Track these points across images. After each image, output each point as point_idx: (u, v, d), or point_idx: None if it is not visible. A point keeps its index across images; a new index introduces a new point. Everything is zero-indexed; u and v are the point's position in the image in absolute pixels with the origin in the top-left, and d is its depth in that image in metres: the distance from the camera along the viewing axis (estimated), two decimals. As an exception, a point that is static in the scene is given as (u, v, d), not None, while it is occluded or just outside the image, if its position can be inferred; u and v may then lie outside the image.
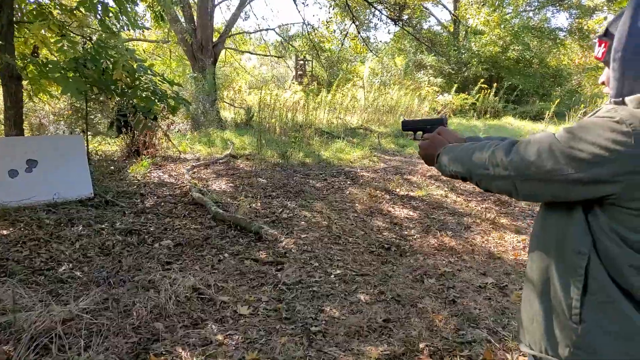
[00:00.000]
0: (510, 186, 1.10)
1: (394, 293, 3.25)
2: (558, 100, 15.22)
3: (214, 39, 13.85)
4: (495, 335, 2.72)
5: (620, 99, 1.05)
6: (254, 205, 5.25)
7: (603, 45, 1.11)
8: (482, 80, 17.23)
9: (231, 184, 6.24)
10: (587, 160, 0.95)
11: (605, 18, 20.28)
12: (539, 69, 19.27)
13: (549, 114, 13.43)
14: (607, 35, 1.10)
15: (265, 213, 5.00)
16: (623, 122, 0.93)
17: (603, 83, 1.15)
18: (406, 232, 4.61)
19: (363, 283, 3.41)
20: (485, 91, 16.72)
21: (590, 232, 1.02)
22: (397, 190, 6.27)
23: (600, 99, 15.24)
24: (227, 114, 13.88)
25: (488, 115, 16.53)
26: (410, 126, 1.71)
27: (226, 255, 3.87)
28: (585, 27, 19.80)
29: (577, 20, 20.03)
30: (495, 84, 17.06)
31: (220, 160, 7.83)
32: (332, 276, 3.51)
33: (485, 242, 4.40)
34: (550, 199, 1.07)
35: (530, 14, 20.88)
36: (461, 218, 5.16)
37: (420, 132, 1.65)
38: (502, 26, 19.68)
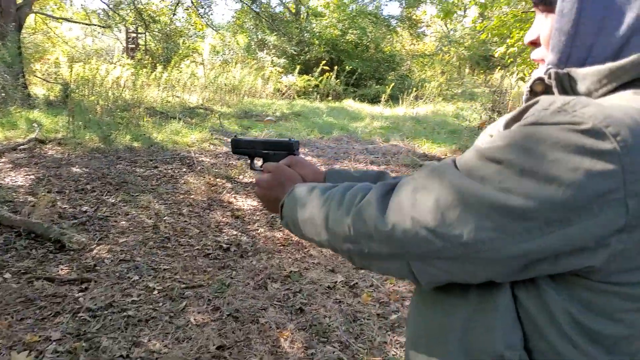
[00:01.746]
0: (403, 269, 0.61)
1: (232, 307, 2.71)
2: (392, 84, 16.13)
3: (18, 1, 11.50)
4: (347, 350, 2.36)
5: (565, 70, 0.60)
6: (60, 203, 4.21)
7: None
8: (323, 62, 17.45)
9: (32, 176, 5.01)
10: (545, 217, 0.50)
11: (424, 12, 22.17)
12: (375, 54, 20.26)
13: (384, 97, 14.10)
14: None
15: (74, 213, 4.02)
16: (599, 131, 0.49)
17: (533, 43, 0.69)
18: (249, 227, 4.09)
19: (194, 298, 2.80)
20: (328, 74, 16.98)
21: (521, 321, 0.58)
22: (240, 177, 5.71)
23: (428, 83, 16.49)
24: (39, 90, 11.71)
25: (330, 98, 16.83)
26: (243, 148, 1.14)
27: (8, 275, 2.90)
28: (414, 17, 21.39)
29: (406, 9, 21.48)
30: (336, 67, 17.42)
31: (22, 146, 6.36)
32: (156, 292, 2.83)
33: (333, 232, 4.10)
34: (481, 280, 0.59)
35: (366, 0, 21.81)
36: (307, 206, 4.82)
37: (259, 159, 1.10)
38: (341, 9, 20.19)
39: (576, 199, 0.48)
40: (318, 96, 16.51)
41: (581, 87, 0.59)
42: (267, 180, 0.93)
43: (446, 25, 22.70)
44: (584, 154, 0.49)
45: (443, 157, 6.67)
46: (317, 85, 16.84)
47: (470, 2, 6.58)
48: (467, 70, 19.53)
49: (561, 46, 0.62)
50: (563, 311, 0.55)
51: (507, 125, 0.59)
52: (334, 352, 2.33)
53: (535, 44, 0.68)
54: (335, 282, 3.11)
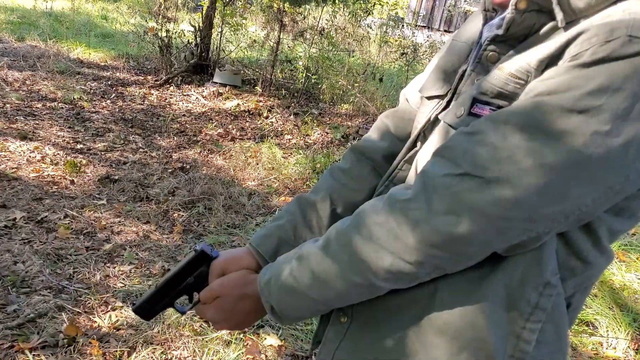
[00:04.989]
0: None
1: None
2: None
3: None
4: (64, 295, 2.01)
5: None
6: None
7: None
8: None
9: None
10: None
11: None
12: None
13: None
14: None
15: None
16: None
17: None
18: None
19: None
20: None
21: (568, 244, 0.59)
22: None
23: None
24: None
25: None
26: (154, 308, 0.77)
27: None
28: None
29: None
30: None
31: None
32: None
33: (-16, 158, 3.20)
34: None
35: None
36: None
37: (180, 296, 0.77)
38: None
39: None
40: None
41: (579, 2, 0.53)
42: (220, 308, 0.71)
43: None
44: None
45: (104, 64, 5.96)
46: None
47: None
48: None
49: None
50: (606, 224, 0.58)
51: (548, 65, 0.54)
52: (47, 300, 1.94)
53: None
54: (14, 219, 2.50)
